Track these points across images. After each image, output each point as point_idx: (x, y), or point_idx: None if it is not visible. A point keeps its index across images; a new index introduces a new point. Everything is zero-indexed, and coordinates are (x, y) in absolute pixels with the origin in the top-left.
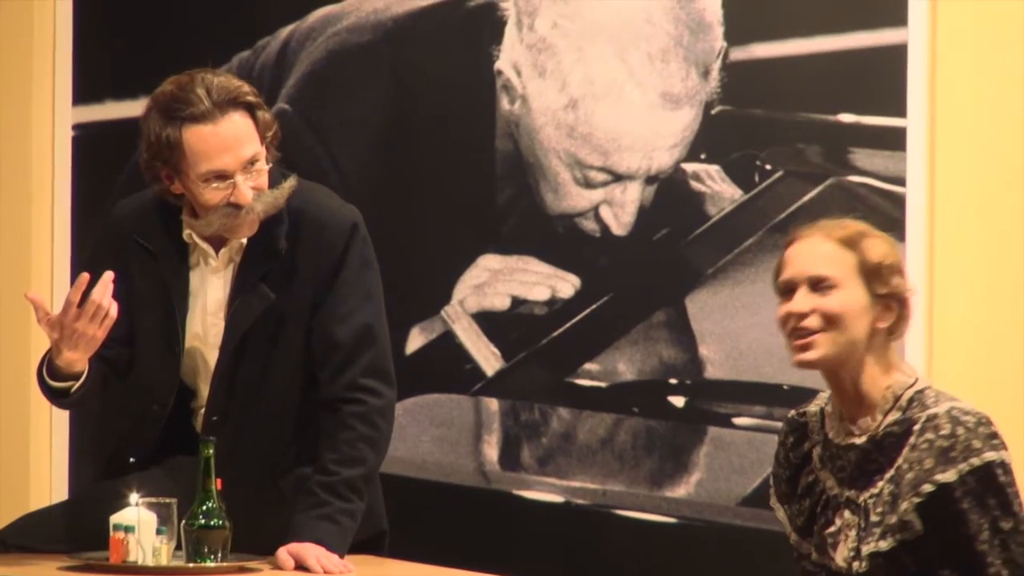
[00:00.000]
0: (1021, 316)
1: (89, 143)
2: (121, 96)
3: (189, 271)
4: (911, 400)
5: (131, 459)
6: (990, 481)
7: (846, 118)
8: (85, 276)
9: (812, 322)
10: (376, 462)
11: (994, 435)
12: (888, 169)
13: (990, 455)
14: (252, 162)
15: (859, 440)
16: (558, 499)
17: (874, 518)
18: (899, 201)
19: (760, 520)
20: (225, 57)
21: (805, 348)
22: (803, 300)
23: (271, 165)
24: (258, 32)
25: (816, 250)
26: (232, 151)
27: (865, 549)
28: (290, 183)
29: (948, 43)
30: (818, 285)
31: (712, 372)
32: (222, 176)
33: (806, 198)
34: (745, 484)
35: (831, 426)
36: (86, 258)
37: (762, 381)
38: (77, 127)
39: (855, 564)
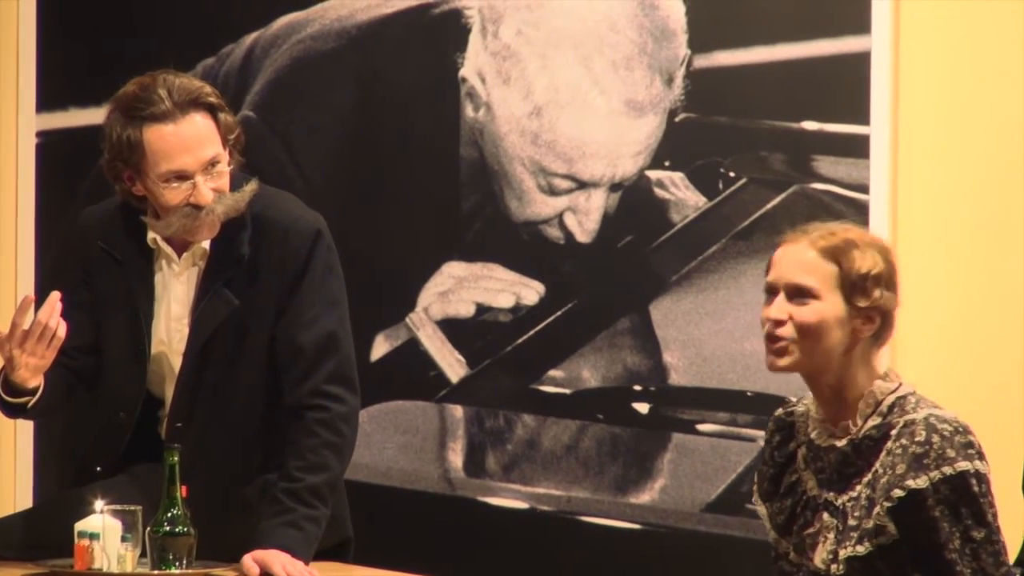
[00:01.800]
0: (984, 321)
1: (53, 150)
2: (85, 103)
3: (153, 276)
4: (892, 405)
5: (97, 468)
6: (964, 491)
7: (809, 125)
8: (30, 298)
9: (786, 331)
10: (340, 469)
11: (970, 444)
12: (851, 176)
13: (963, 464)
14: (213, 163)
15: (839, 443)
16: (523, 505)
17: (852, 522)
18: (862, 208)
19: (724, 526)
20: (190, 64)
21: (778, 354)
22: (780, 307)
23: (233, 168)
24: (223, 39)
25: (799, 257)
26: (192, 151)
27: (842, 553)
28: (252, 187)
29: (911, 51)
30: (796, 294)
31: (676, 379)
32: (182, 176)
33: (769, 205)
34: (709, 490)
35: (813, 427)
36: (50, 265)
37: (726, 388)
38: (41, 134)
39: (832, 567)
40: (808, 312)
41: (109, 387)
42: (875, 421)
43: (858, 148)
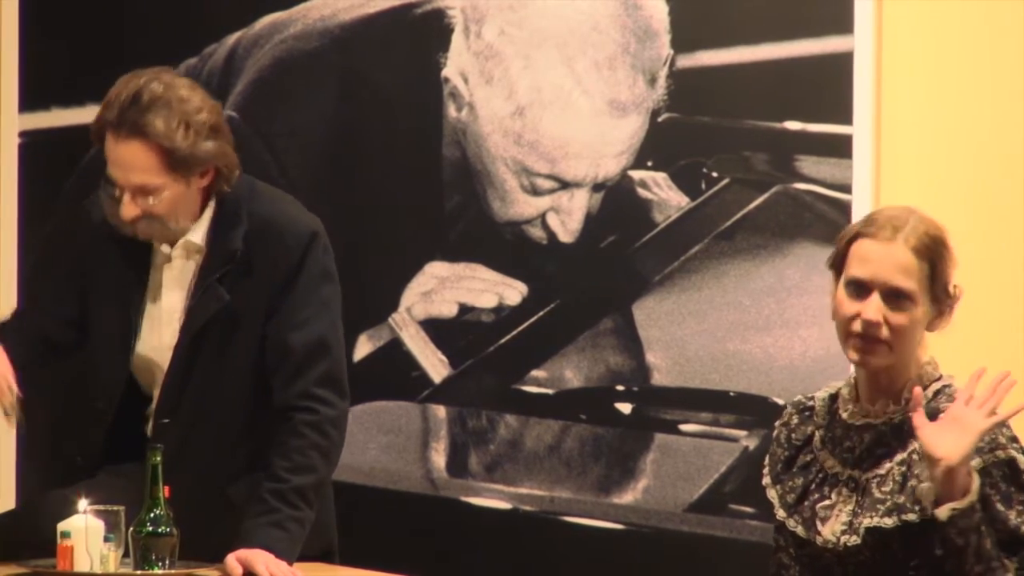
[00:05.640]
0: (965, 322)
1: (36, 150)
2: (68, 103)
3: (149, 266)
4: (937, 392)
5: (78, 458)
6: (1014, 477)
7: (792, 125)
8: None
9: (882, 332)
10: (327, 471)
11: (1015, 438)
12: (834, 176)
13: (1013, 452)
14: (144, 190)
15: (876, 421)
16: (506, 506)
17: (878, 495)
18: (845, 208)
19: (707, 526)
20: (172, 63)
21: (872, 354)
22: (876, 309)
23: (224, 188)
24: (205, 39)
25: (896, 258)
26: (123, 170)
27: (865, 522)
28: (183, 224)
29: (894, 51)
30: (892, 296)
31: (659, 379)
32: (115, 183)
33: (752, 205)
34: (691, 490)
35: (845, 408)
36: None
37: (708, 388)
38: (24, 134)
39: (844, 538)
40: (904, 317)
41: (90, 374)
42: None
43: (841, 148)
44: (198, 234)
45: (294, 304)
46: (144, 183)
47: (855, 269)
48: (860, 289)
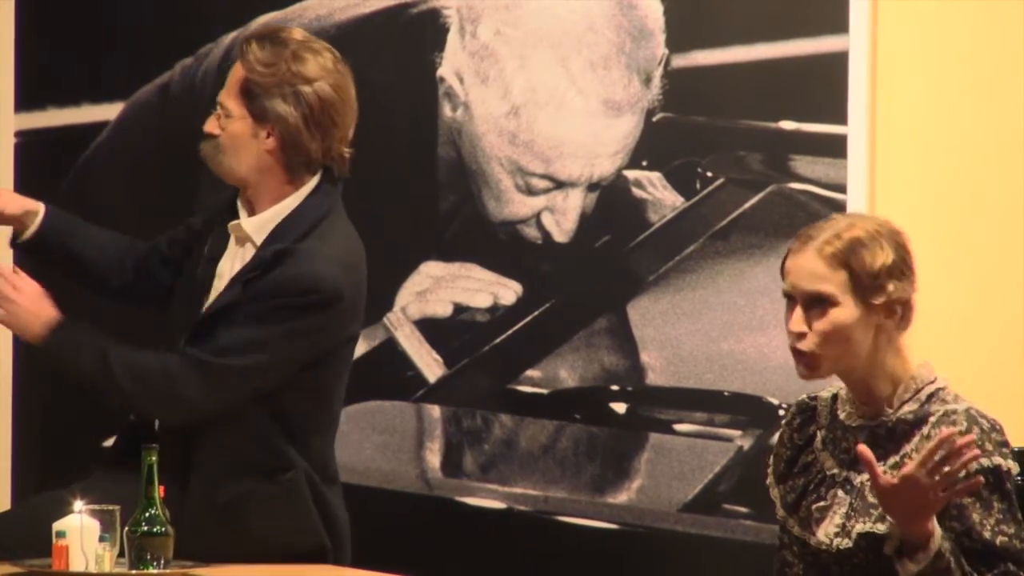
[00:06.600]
0: (960, 322)
1: (32, 150)
2: (63, 103)
3: (223, 247)
4: (931, 395)
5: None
6: (997, 485)
7: (787, 125)
8: None
9: (809, 343)
10: (136, 388)
11: (1005, 443)
12: (829, 176)
13: (999, 460)
14: (223, 109)
15: (871, 423)
16: (500, 505)
17: (871, 499)
18: (840, 208)
19: (701, 526)
20: (168, 64)
21: (807, 367)
22: (799, 320)
23: (274, 151)
24: (201, 39)
25: (808, 267)
26: (224, 84)
27: (858, 527)
28: (234, 167)
29: (889, 51)
30: (813, 303)
31: (653, 379)
32: None
33: (747, 205)
34: (686, 490)
35: (843, 408)
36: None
37: (703, 388)
38: (19, 134)
39: (837, 540)
40: (826, 321)
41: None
42: (911, 407)
43: (836, 148)
44: (259, 234)
45: (252, 309)
46: (223, 101)
47: (783, 283)
48: (789, 302)
